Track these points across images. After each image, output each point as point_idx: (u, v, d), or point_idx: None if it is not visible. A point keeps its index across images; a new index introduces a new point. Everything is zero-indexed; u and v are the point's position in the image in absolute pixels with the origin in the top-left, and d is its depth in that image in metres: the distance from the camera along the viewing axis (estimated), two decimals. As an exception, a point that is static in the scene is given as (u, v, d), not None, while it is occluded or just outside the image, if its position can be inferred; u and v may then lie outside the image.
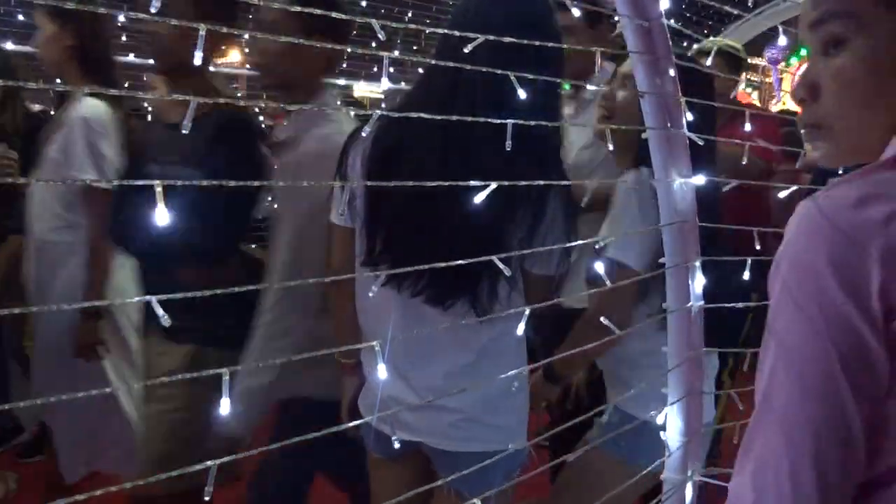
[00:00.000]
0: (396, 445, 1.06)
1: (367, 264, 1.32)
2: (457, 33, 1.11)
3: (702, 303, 1.18)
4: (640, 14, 1.15)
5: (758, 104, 10.07)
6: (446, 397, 1.28)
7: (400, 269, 1.07)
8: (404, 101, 1.39)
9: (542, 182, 1.10)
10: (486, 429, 1.36)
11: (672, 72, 1.17)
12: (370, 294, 1.29)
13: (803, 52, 12.22)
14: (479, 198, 0.93)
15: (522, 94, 0.96)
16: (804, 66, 0.73)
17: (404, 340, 1.31)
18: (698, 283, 1.17)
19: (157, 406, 1.76)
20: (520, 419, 1.43)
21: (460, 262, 0.91)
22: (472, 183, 0.93)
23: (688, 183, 1.16)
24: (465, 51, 0.97)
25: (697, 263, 1.17)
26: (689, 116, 1.19)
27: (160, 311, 0.63)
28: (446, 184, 0.91)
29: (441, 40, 1.37)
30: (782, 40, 1.54)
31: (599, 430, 1.72)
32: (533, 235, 1.29)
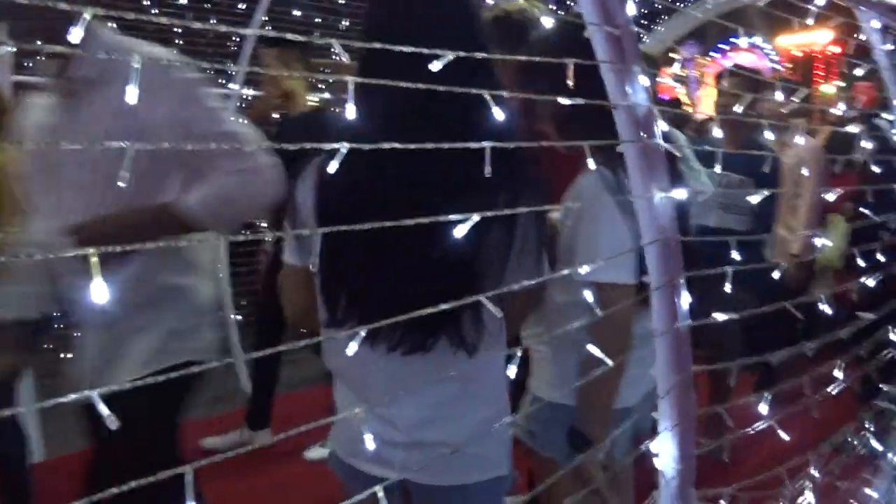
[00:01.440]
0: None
1: (332, 326, 1.20)
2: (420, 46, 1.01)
3: (689, 321, 1.13)
4: (609, 21, 1.09)
5: (685, 99, 10.34)
6: (430, 432, 1.20)
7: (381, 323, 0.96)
8: (347, 123, 1.27)
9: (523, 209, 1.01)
10: (473, 460, 1.28)
11: (644, 80, 1.11)
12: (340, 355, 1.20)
13: (722, 45, 12.63)
14: (459, 231, 0.84)
15: (498, 112, 0.88)
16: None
17: (382, 381, 1.22)
18: (684, 301, 1.12)
19: None
20: (505, 447, 1.36)
21: (442, 306, 0.82)
22: (452, 217, 0.84)
23: (668, 197, 1.10)
24: (433, 68, 0.88)
25: (682, 280, 1.12)
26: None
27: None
28: (426, 219, 0.82)
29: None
30: (747, 42, 1.50)
31: (524, 422, 1.67)
32: (508, 255, 1.21)
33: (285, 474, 3.21)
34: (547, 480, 1.53)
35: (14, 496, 2.57)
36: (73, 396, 0.51)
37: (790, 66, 12.65)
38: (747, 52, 12.93)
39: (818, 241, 2.98)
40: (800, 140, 3.50)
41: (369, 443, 0.85)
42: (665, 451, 1.11)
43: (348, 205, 1.14)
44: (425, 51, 0.87)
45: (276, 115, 3.40)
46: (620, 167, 1.38)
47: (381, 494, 0.70)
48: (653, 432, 1.30)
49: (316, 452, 3.39)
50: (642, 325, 1.56)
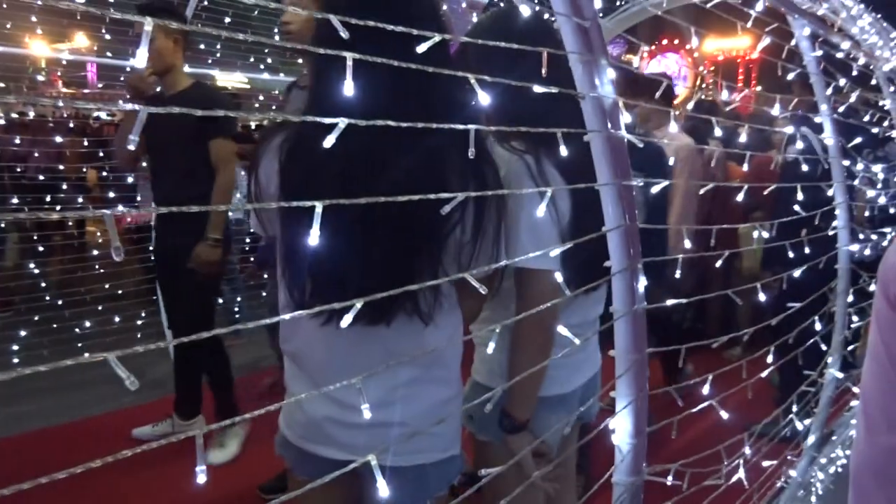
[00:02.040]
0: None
1: (295, 308, 1.20)
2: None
3: (644, 304, 1.18)
4: (577, 13, 1.13)
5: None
6: (391, 413, 1.22)
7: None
8: (318, 101, 1.26)
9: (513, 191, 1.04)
10: (431, 439, 1.31)
11: (611, 72, 1.15)
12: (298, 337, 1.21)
13: (653, 46, 13.05)
14: (446, 209, 0.86)
15: (485, 97, 0.90)
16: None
17: (342, 365, 1.23)
18: (641, 284, 1.17)
19: None
20: (457, 426, 1.39)
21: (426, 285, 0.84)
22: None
23: (629, 185, 1.16)
24: (419, 50, 0.90)
25: (640, 265, 1.17)
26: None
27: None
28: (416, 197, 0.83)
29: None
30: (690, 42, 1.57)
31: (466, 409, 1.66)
32: (475, 237, 1.24)
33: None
34: (487, 464, 1.58)
35: None
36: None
37: (713, 69, 13.18)
38: (672, 53, 13.41)
39: (755, 233, 3.07)
40: (674, 137, 3.44)
41: (366, 412, 0.86)
42: (621, 427, 1.17)
43: (314, 188, 1.14)
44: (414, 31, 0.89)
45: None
46: (544, 155, 1.44)
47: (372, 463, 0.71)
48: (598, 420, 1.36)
49: (216, 456, 3.18)
50: (583, 313, 1.62)
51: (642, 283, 1.17)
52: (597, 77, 1.14)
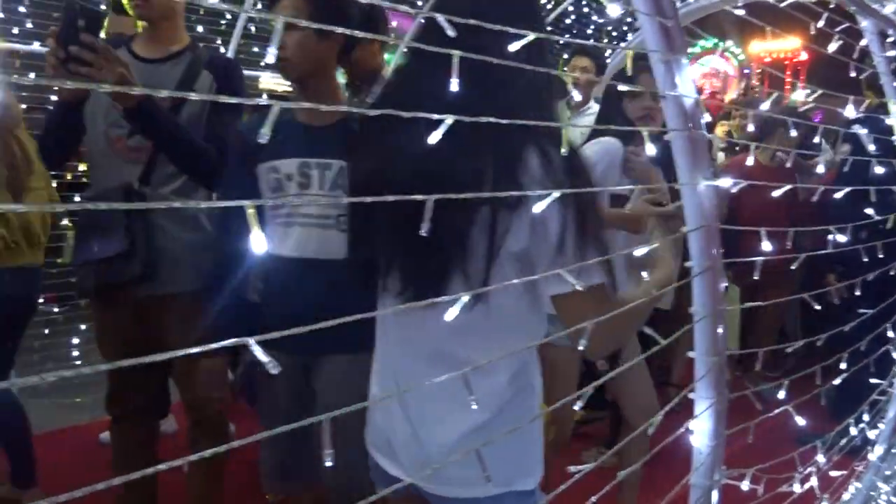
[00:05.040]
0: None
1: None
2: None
3: (725, 306, 1.17)
4: (660, 12, 1.12)
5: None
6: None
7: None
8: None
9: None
10: None
11: (692, 71, 1.14)
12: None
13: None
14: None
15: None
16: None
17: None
18: (722, 285, 1.16)
19: None
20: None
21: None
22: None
23: (711, 185, 1.14)
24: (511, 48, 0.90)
25: (721, 265, 1.16)
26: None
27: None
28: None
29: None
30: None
31: None
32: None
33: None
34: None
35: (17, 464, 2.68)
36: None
37: (759, 71, 12.92)
38: (715, 56, 13.20)
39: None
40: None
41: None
42: (700, 430, 1.16)
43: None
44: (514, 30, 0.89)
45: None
46: None
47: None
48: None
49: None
50: None
51: (724, 283, 1.16)
52: (678, 76, 1.13)
